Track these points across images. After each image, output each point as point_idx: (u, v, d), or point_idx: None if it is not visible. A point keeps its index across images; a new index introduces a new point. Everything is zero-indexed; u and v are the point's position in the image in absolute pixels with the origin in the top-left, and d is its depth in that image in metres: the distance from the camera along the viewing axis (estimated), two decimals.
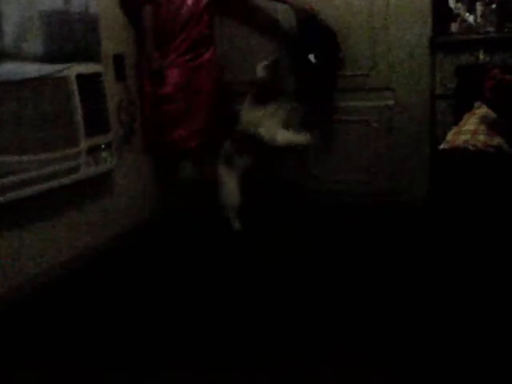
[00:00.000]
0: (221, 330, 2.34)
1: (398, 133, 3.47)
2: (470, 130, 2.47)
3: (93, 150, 3.06)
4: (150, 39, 3.39)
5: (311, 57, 3.33)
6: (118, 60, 3.39)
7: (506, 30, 3.19)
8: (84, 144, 2.98)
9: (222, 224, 3.40)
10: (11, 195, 2.56)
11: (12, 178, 2.55)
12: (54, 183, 2.81)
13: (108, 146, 3.19)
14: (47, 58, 2.76)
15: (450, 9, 3.31)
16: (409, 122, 3.42)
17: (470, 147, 2.32)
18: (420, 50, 3.32)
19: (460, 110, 2.94)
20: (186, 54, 3.43)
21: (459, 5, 3.31)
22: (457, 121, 2.77)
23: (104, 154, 3.15)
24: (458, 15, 3.30)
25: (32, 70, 2.67)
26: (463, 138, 2.40)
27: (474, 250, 2.28)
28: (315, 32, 3.33)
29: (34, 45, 2.70)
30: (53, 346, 2.29)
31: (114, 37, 3.33)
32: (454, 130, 2.59)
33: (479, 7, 3.26)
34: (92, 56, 3.06)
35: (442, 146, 2.46)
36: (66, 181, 2.88)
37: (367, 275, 2.76)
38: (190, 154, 3.54)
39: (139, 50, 3.54)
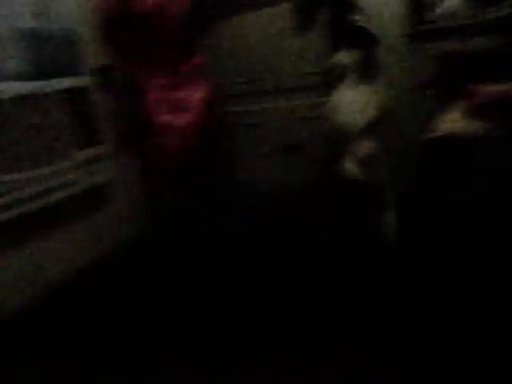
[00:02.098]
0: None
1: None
2: (455, 118, 2.54)
3: (86, 163, 3.07)
4: (128, 53, 3.22)
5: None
6: (105, 71, 3.32)
7: (481, 16, 3.10)
8: (77, 157, 2.99)
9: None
10: (9, 213, 2.61)
11: (9, 196, 2.60)
12: (52, 198, 2.85)
13: (102, 157, 3.19)
14: (31, 75, 2.77)
15: None
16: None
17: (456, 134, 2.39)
18: (398, 41, 3.32)
19: (444, 97, 2.93)
20: (171, 63, 3.29)
21: None
22: (442, 108, 2.79)
23: (98, 166, 3.17)
24: (434, 4, 3.23)
25: (17, 87, 2.68)
26: (449, 125, 2.47)
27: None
28: None
29: (17, 63, 2.70)
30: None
31: (99, 50, 3.21)
32: (439, 118, 2.64)
33: None
34: (79, 70, 3.06)
35: (428, 135, 2.53)
36: (62, 195, 2.91)
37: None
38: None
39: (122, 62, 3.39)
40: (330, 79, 3.05)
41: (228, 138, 3.82)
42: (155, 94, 3.21)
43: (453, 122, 2.49)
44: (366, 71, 2.97)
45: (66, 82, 2.94)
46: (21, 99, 2.68)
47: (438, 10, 3.24)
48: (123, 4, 3.11)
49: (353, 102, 2.94)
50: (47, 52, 2.85)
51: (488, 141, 2.32)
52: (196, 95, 3.34)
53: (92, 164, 3.10)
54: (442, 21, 3.22)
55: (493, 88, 2.51)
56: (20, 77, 2.71)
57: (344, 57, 2.98)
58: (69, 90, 2.94)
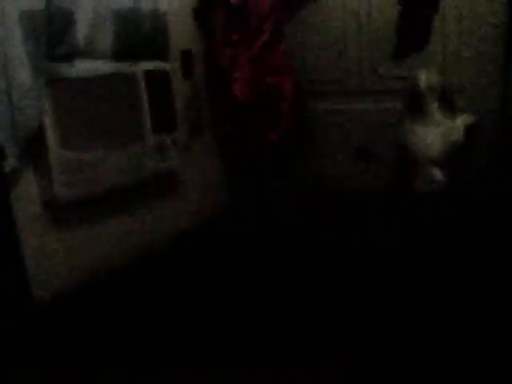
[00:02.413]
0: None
1: None
2: None
3: (159, 147, 3.05)
4: (220, 37, 3.38)
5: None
6: (186, 56, 3.36)
7: None
8: (151, 140, 2.99)
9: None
10: (80, 190, 2.61)
11: (82, 173, 2.60)
12: (123, 180, 2.83)
13: (174, 142, 3.17)
14: (117, 55, 2.80)
15: None
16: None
17: None
18: (494, 58, 3.05)
19: None
20: (258, 51, 3.38)
21: None
22: None
23: (171, 151, 3.14)
24: None
25: (102, 67, 2.73)
26: None
27: None
28: None
29: (105, 43, 2.75)
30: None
31: (182, 34, 3.31)
32: None
33: None
34: (160, 53, 3.08)
35: None
36: (132, 177, 2.90)
37: None
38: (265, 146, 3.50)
39: (208, 47, 3.52)
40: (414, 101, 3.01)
41: (307, 132, 3.74)
42: (241, 78, 3.35)
43: None
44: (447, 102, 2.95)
45: (149, 65, 2.97)
46: (105, 78, 2.73)
47: None
48: None
49: (430, 133, 2.93)
50: (137, 34, 2.89)
51: None
52: (286, 80, 3.46)
53: (165, 148, 3.09)
54: None
55: None
56: (109, 56, 2.76)
57: (428, 78, 2.95)
58: (151, 73, 2.97)
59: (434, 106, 2.90)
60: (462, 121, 2.96)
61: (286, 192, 3.58)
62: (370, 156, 3.57)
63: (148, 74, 2.96)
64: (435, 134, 2.93)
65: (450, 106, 2.93)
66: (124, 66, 2.83)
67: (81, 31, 2.60)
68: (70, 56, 2.57)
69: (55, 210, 2.58)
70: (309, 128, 3.72)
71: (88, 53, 2.66)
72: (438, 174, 2.93)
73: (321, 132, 3.70)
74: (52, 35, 2.44)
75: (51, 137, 2.48)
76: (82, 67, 2.63)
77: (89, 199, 2.69)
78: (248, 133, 3.43)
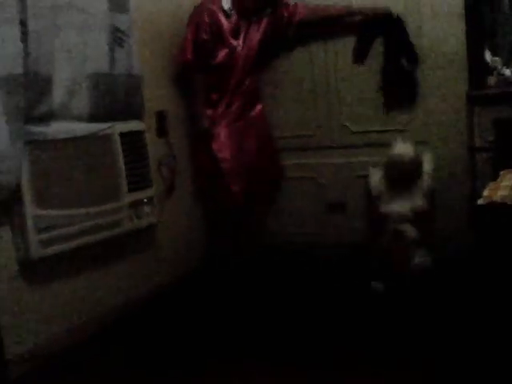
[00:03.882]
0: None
1: (436, 187, 3.30)
2: (508, 186, 2.40)
3: (135, 205, 3.10)
4: (199, 99, 3.50)
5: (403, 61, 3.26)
6: (161, 117, 3.47)
7: None
8: (126, 199, 3.04)
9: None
10: (56, 248, 2.63)
11: (58, 232, 2.63)
12: (98, 236, 2.86)
13: (150, 200, 3.22)
14: (93, 117, 2.89)
15: (487, 63, 3.24)
16: (448, 176, 3.29)
17: (508, 202, 2.23)
18: (457, 103, 3.24)
19: (499, 163, 2.84)
20: (238, 110, 3.51)
21: (496, 58, 3.24)
22: (496, 174, 2.66)
23: (146, 209, 3.19)
24: (495, 69, 3.21)
25: (78, 128, 2.80)
26: (501, 193, 2.32)
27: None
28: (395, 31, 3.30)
29: (81, 105, 2.82)
30: None
31: (156, 95, 3.43)
32: (492, 185, 2.51)
33: None
34: (135, 114, 3.17)
35: (479, 202, 2.35)
36: (108, 234, 2.93)
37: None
38: (241, 209, 3.56)
39: (189, 107, 3.66)
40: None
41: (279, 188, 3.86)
42: (222, 139, 3.46)
43: (506, 189, 2.34)
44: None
45: (125, 126, 3.04)
46: (80, 140, 2.78)
47: (499, 77, 3.20)
48: (199, 55, 3.43)
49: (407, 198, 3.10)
50: (110, 96, 2.96)
51: None
52: (260, 140, 3.59)
53: (140, 206, 3.14)
54: (502, 87, 3.16)
55: None
56: (85, 118, 2.84)
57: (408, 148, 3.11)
58: (126, 134, 3.04)
59: (413, 173, 3.10)
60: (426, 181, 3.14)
61: (258, 248, 3.68)
62: (342, 210, 3.65)
63: (123, 134, 3.03)
64: (410, 197, 3.10)
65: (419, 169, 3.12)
66: (100, 127, 2.89)
67: (58, 94, 2.67)
68: (47, 118, 2.64)
69: (31, 268, 2.58)
70: (281, 183, 3.82)
71: (65, 115, 2.73)
72: (410, 230, 3.04)
73: (293, 186, 3.79)
74: (30, 98, 2.50)
75: (27, 196, 2.50)
76: (59, 129, 2.69)
77: (65, 256, 2.70)
78: (227, 193, 3.47)
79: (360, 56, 3.44)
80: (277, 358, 2.44)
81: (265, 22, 3.51)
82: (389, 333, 2.57)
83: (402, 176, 3.12)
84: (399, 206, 3.09)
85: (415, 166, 3.10)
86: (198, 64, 3.46)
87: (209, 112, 3.50)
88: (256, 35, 3.50)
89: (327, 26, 3.55)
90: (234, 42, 3.45)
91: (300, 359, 2.42)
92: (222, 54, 3.45)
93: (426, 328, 2.55)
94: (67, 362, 2.58)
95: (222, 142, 3.47)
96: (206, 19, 3.40)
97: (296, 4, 3.54)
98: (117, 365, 2.52)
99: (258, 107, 3.65)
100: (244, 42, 3.48)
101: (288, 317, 2.91)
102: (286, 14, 3.52)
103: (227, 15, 3.43)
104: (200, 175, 3.71)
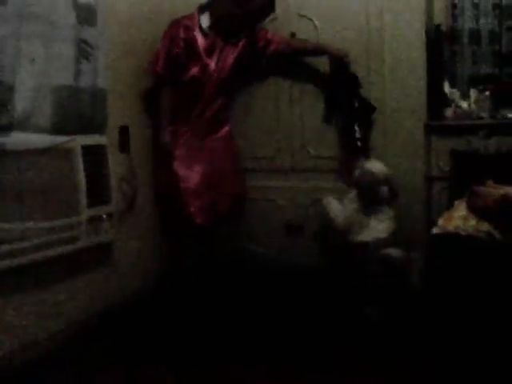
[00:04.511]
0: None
1: None
2: (461, 216, 2.49)
3: (93, 220, 3.06)
4: (163, 113, 3.49)
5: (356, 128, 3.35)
6: (124, 132, 3.45)
7: (499, 116, 3.18)
8: (85, 214, 2.99)
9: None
10: (9, 262, 2.56)
11: (11, 245, 2.56)
12: (53, 251, 2.80)
13: (109, 216, 3.19)
14: (55, 129, 2.84)
15: (445, 94, 3.35)
16: (404, 203, 3.32)
17: (462, 232, 2.35)
18: (415, 133, 3.32)
19: (454, 192, 2.94)
20: (204, 129, 3.52)
21: (454, 90, 3.37)
22: (451, 204, 2.77)
23: (104, 225, 3.15)
24: (453, 101, 3.32)
25: (39, 140, 2.75)
26: (454, 223, 2.43)
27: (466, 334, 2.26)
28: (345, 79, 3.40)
29: (44, 116, 2.78)
30: None
31: (121, 110, 3.40)
32: (446, 215, 2.61)
33: (473, 94, 3.29)
34: (98, 128, 3.13)
35: (434, 231, 2.48)
36: (65, 249, 2.87)
37: None
38: (201, 228, 3.52)
39: (153, 123, 3.65)
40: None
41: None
42: (184, 157, 3.47)
43: (460, 219, 2.45)
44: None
45: (87, 139, 3.01)
46: (41, 152, 2.73)
47: (457, 109, 3.31)
48: (170, 68, 3.45)
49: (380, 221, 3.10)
50: (74, 109, 2.93)
51: (492, 241, 2.29)
52: (225, 160, 3.60)
53: (99, 222, 3.10)
54: (460, 119, 3.28)
55: (497, 190, 2.48)
56: (47, 130, 2.79)
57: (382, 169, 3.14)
58: (88, 147, 3.00)
59: (386, 194, 3.09)
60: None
61: (217, 265, 3.64)
62: (300, 232, 3.68)
63: (85, 148, 3.00)
64: (383, 221, 3.11)
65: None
66: (62, 140, 2.85)
67: (20, 104, 2.62)
68: (8, 128, 2.57)
69: None
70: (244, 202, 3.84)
71: (26, 126, 2.68)
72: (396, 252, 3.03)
73: (252, 207, 3.81)
74: None
75: None
76: (20, 139, 2.63)
77: (20, 269, 2.62)
78: (186, 211, 3.45)
79: (328, 117, 3.54)
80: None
81: (240, 45, 3.56)
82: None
83: (374, 196, 3.09)
84: (377, 231, 3.07)
85: (389, 184, 3.11)
86: (169, 77, 3.48)
87: (173, 128, 3.51)
88: (230, 57, 3.53)
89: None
90: (207, 61, 3.47)
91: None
92: (193, 69, 3.47)
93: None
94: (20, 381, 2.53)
95: (183, 161, 3.47)
96: (182, 34, 3.44)
97: (274, 34, 3.61)
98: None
99: (226, 128, 3.66)
100: (217, 62, 3.49)
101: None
102: (262, 42, 3.58)
103: (204, 33, 3.46)
104: (160, 192, 3.69)
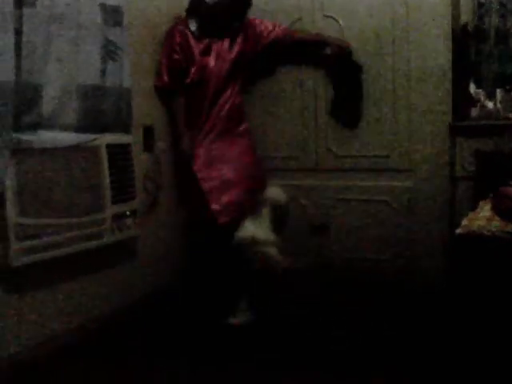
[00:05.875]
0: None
1: (417, 214, 3.41)
2: (485, 217, 2.47)
3: (118, 217, 3.10)
4: (179, 121, 3.54)
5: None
6: (148, 132, 3.50)
7: None
8: (109, 211, 3.04)
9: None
10: (37, 256, 2.62)
11: (40, 241, 2.63)
12: (78, 247, 2.85)
13: (133, 213, 3.23)
14: (81, 127, 2.90)
15: (470, 94, 3.31)
16: (428, 203, 3.36)
17: (486, 232, 2.30)
18: (440, 134, 3.31)
19: (479, 193, 2.92)
20: (219, 129, 3.52)
21: (479, 91, 3.32)
22: (475, 204, 2.74)
23: (128, 221, 3.19)
24: (478, 101, 3.29)
25: (66, 138, 2.80)
26: (479, 223, 2.39)
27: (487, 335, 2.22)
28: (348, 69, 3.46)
29: (70, 115, 2.84)
30: None
31: (145, 110, 3.46)
32: (470, 215, 2.58)
33: (499, 94, 3.25)
34: (123, 127, 3.19)
35: (458, 231, 2.42)
36: (89, 245, 2.92)
37: None
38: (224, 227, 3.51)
39: (173, 126, 3.69)
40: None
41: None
42: (202, 159, 3.49)
43: (484, 220, 2.42)
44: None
45: (112, 138, 3.06)
46: (67, 150, 2.79)
47: (483, 109, 3.27)
48: (174, 76, 3.50)
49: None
50: (100, 107, 2.99)
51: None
52: (244, 159, 3.58)
53: (123, 218, 3.14)
54: (485, 119, 3.25)
55: None
56: (73, 128, 2.85)
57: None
58: (113, 146, 3.06)
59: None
60: None
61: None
62: (325, 231, 3.69)
63: (110, 146, 3.05)
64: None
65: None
66: (87, 138, 2.91)
67: (47, 103, 2.69)
68: (35, 126, 2.64)
69: (11, 276, 2.57)
70: None
71: (53, 124, 2.74)
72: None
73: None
74: (19, 106, 2.52)
75: (10, 204, 2.49)
76: (46, 138, 2.70)
77: (46, 265, 2.69)
78: (208, 211, 3.46)
79: (336, 112, 3.59)
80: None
81: (239, 39, 3.57)
82: None
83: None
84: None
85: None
86: (175, 86, 3.52)
87: (190, 132, 3.53)
88: (230, 53, 3.55)
89: (299, 53, 3.68)
90: (205, 60, 3.50)
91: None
92: (194, 71, 3.50)
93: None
94: (49, 371, 2.56)
95: (203, 162, 3.49)
96: (177, 39, 3.49)
97: (274, 23, 3.62)
98: (100, 374, 2.53)
99: (243, 126, 3.66)
100: (217, 60, 3.52)
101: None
102: (261, 30, 3.59)
103: (195, 36, 3.50)
104: (183, 192, 3.72)
